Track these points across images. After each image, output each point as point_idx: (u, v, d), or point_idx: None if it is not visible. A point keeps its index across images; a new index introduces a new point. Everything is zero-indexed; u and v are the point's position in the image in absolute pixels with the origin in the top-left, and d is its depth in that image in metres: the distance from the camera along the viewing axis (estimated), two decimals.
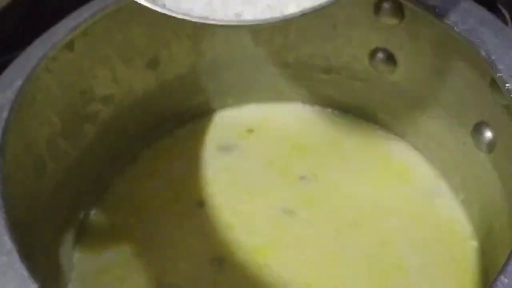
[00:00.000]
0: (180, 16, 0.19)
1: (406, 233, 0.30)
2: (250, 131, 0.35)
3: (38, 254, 0.26)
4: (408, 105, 0.33)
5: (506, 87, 0.22)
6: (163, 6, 0.19)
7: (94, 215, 0.32)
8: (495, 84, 0.24)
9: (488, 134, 0.28)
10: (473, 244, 0.29)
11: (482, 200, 0.30)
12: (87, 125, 0.31)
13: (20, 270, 0.17)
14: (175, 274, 0.29)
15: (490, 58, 0.23)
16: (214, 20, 0.19)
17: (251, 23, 0.19)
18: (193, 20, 0.19)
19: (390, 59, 0.32)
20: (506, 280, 0.17)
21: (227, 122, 0.36)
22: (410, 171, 0.33)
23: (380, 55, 0.32)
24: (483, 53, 0.23)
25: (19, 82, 0.24)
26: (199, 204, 0.32)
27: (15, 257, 0.18)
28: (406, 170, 0.33)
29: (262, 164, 0.34)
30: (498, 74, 0.22)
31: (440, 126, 0.31)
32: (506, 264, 0.18)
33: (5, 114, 0.23)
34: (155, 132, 0.35)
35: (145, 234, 0.31)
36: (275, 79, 0.36)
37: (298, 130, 0.35)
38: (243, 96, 0.37)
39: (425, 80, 0.31)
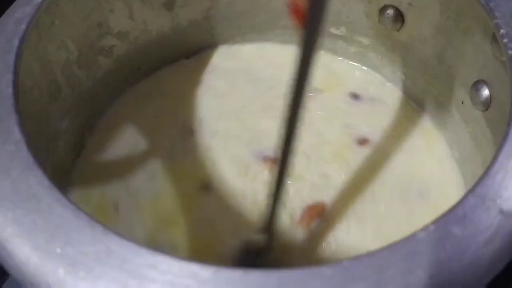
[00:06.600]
0: None
1: (395, 186, 0.31)
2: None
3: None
4: (413, 64, 0.33)
5: (500, 33, 0.23)
6: None
7: (99, 139, 0.33)
8: (495, 40, 0.25)
9: (486, 92, 0.28)
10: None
11: (475, 159, 0.30)
12: (101, 58, 0.33)
13: (26, 157, 0.19)
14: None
15: (489, 6, 0.23)
16: None
17: None
18: None
19: (399, 17, 0.33)
20: None
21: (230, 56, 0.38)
22: (409, 128, 0.34)
23: (389, 12, 0.33)
24: (482, 1, 0.24)
25: (38, 0, 0.25)
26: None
27: (22, 146, 0.19)
28: (405, 126, 0.34)
29: None
30: (494, 21, 0.23)
31: (441, 86, 0.32)
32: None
33: (23, 26, 0.24)
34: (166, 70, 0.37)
35: None
36: (285, 32, 0.37)
37: None
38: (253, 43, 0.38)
39: (431, 39, 0.32)
